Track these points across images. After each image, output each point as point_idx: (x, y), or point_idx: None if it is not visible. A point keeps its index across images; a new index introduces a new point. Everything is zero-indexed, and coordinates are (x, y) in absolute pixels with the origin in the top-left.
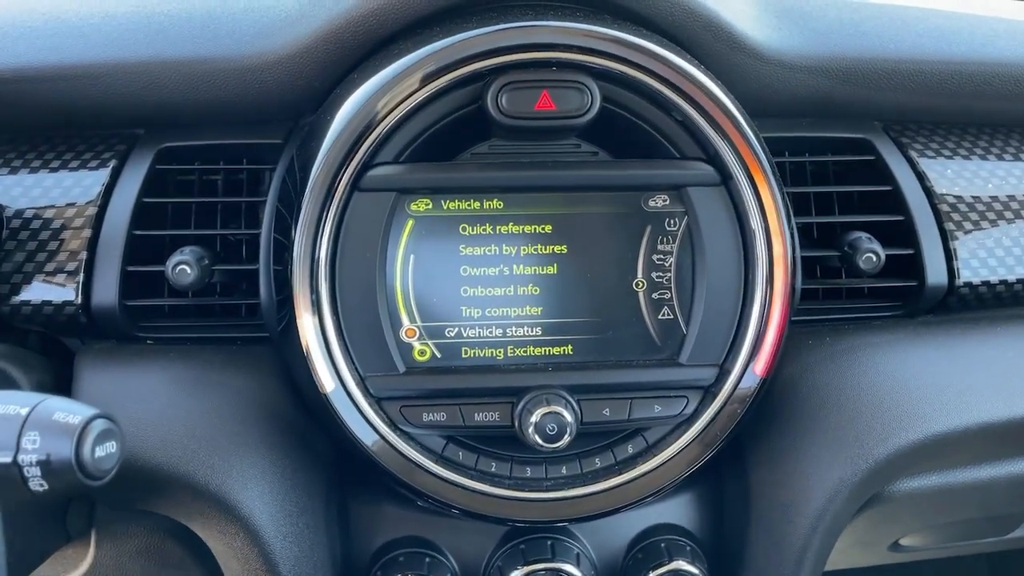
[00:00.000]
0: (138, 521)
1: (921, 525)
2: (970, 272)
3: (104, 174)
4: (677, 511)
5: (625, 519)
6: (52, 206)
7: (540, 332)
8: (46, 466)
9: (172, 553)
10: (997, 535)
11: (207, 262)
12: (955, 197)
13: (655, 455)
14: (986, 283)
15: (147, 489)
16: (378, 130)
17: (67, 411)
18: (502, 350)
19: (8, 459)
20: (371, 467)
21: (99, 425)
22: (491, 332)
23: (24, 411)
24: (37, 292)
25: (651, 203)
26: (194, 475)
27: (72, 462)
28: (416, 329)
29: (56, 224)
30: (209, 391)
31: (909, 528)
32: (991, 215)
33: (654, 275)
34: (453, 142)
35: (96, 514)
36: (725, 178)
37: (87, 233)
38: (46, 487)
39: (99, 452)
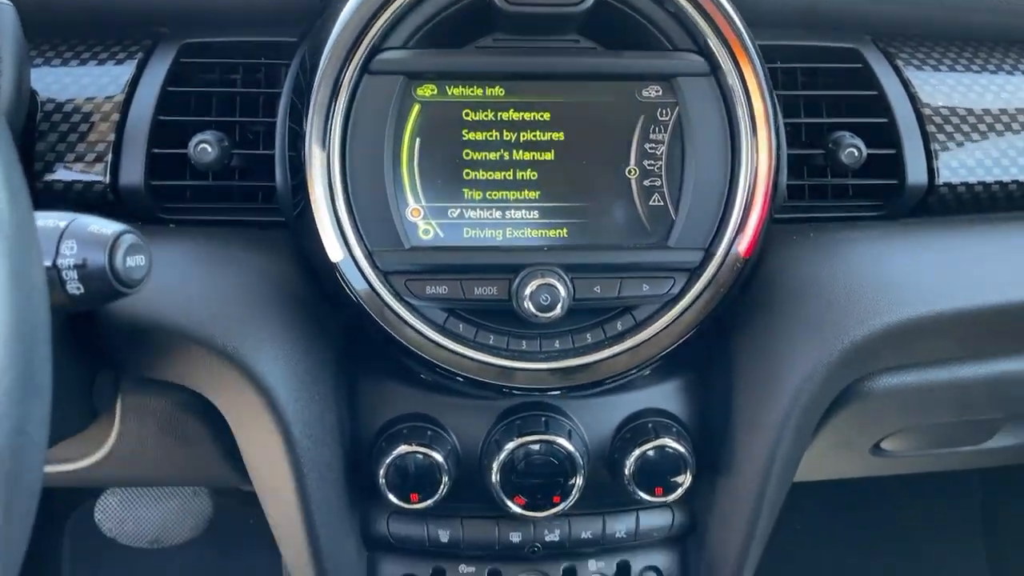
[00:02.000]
0: (159, 397)
1: (901, 425)
2: (949, 172)
3: (131, 66)
4: (664, 397)
5: (615, 403)
6: (83, 94)
7: (537, 215)
8: (82, 270)
9: (191, 428)
10: (976, 443)
11: (227, 144)
12: (937, 103)
13: (642, 331)
14: (964, 184)
15: (170, 354)
16: (386, 14)
17: (100, 224)
18: (501, 231)
19: (48, 263)
20: (378, 340)
21: (129, 239)
22: (491, 214)
23: (63, 223)
24: (69, 171)
25: (644, 93)
26: (213, 338)
27: (106, 268)
28: (421, 209)
29: (86, 109)
30: (228, 267)
31: (889, 428)
32: (971, 120)
33: (646, 163)
34: (458, 33)
35: (120, 389)
36: (714, 68)
37: (115, 117)
38: (82, 291)
39: (130, 262)
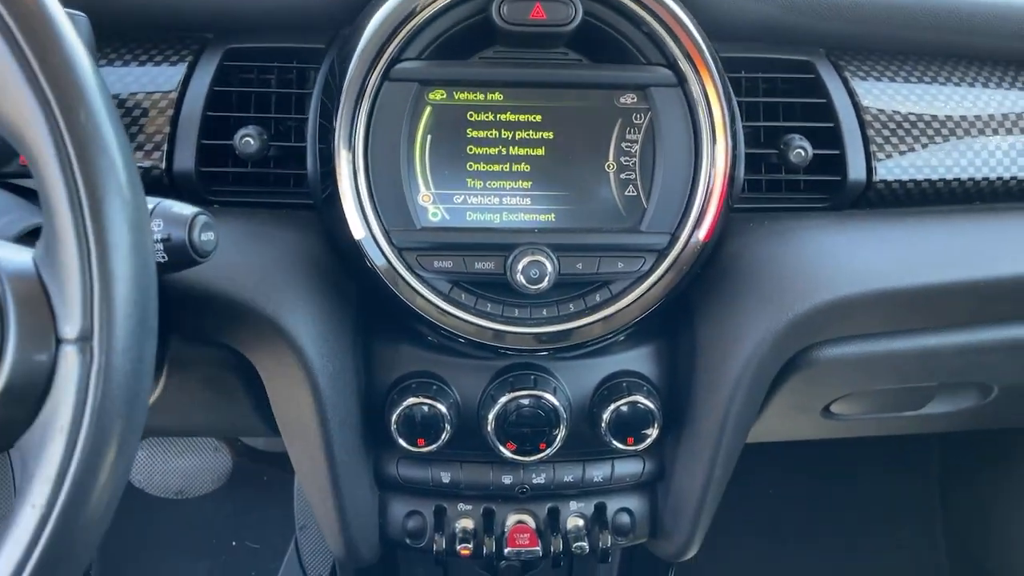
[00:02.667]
0: (202, 354)
1: (846, 391)
2: (885, 171)
3: (183, 67)
4: (637, 360)
5: (594, 365)
6: (141, 91)
7: (529, 202)
8: (167, 243)
9: (228, 382)
10: (915, 408)
11: (266, 137)
12: (878, 110)
13: (617, 302)
14: (899, 181)
15: (216, 316)
16: (405, 30)
17: (181, 207)
18: (498, 215)
19: None
20: (392, 306)
21: (203, 219)
22: (490, 200)
23: (151, 205)
24: None
25: (622, 100)
26: (254, 301)
27: (186, 242)
28: (430, 195)
29: (145, 104)
30: (264, 241)
31: (835, 393)
32: (907, 126)
33: (622, 159)
34: (465, 46)
35: (169, 348)
36: (681, 80)
37: (170, 112)
38: (166, 259)
39: (203, 237)
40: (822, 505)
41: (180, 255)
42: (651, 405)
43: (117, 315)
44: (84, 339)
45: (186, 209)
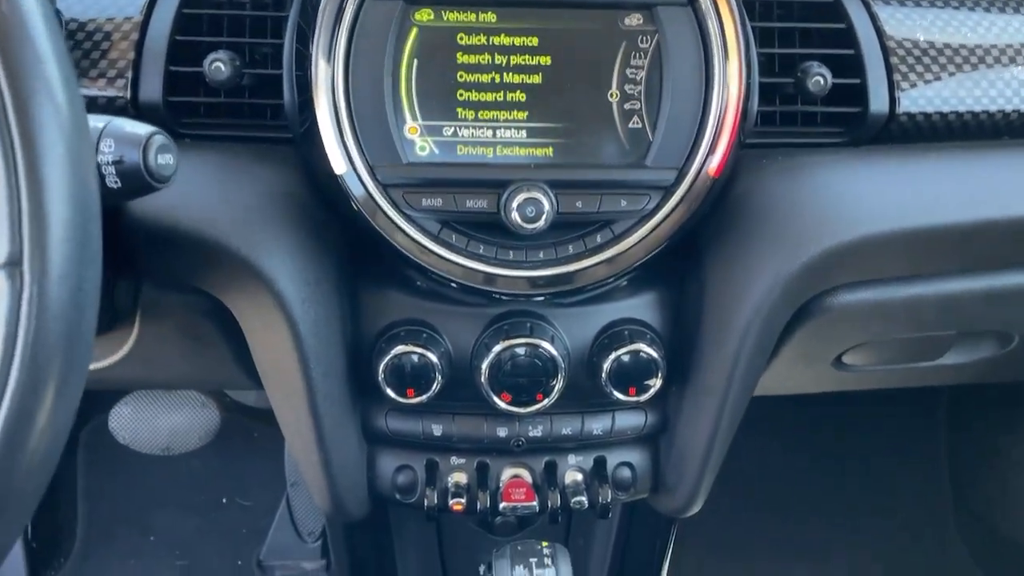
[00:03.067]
0: (177, 300)
1: (859, 340)
2: (909, 102)
3: None
4: (640, 308)
5: (595, 312)
6: (103, 14)
7: (525, 135)
8: (119, 166)
9: (205, 331)
10: (931, 359)
11: (238, 64)
12: (902, 37)
13: (619, 243)
14: (923, 113)
15: (188, 258)
16: None
17: (135, 126)
18: (491, 149)
19: None
20: (378, 248)
21: (160, 139)
22: (482, 133)
23: (101, 124)
24: (92, 87)
25: (626, 22)
26: (228, 241)
27: (140, 164)
28: (418, 127)
29: (107, 28)
30: (239, 177)
31: (848, 342)
32: (933, 54)
33: (626, 87)
34: None
35: (141, 293)
36: None
37: (135, 37)
38: (119, 185)
39: (160, 160)
40: (826, 459)
41: (135, 180)
42: (654, 354)
43: (51, 236)
44: (12, 264)
45: (140, 128)
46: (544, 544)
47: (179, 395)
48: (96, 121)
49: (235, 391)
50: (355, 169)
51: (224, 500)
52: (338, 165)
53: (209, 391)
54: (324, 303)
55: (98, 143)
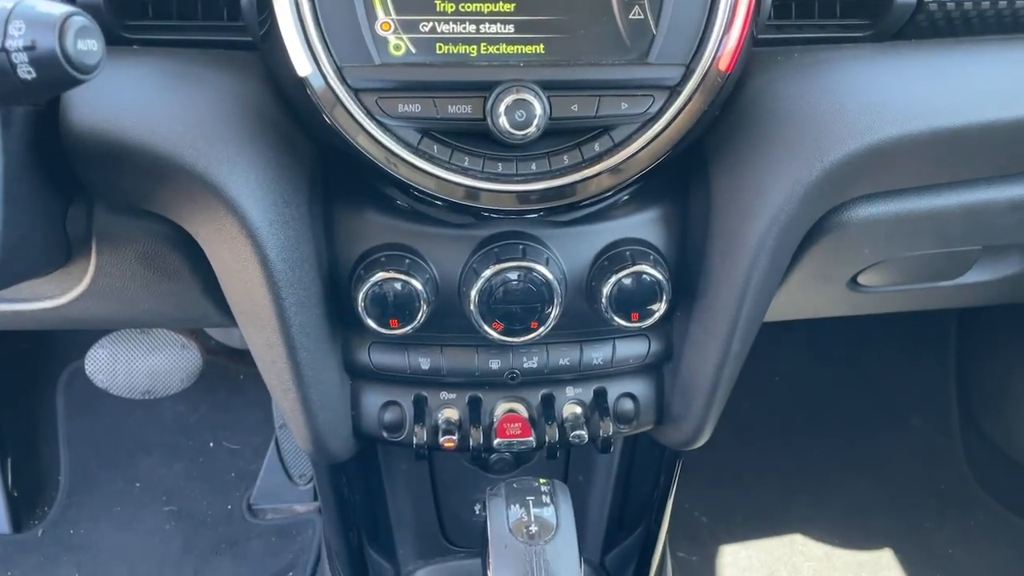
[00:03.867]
0: (135, 227)
1: (878, 257)
2: None
3: None
4: (643, 226)
5: (593, 232)
6: None
7: (513, 29)
8: (32, 52)
9: (169, 261)
10: (952, 277)
11: None
12: None
13: (620, 151)
14: (955, 1)
15: (139, 177)
16: None
17: (48, 5)
18: (475, 47)
19: None
20: (353, 162)
21: (80, 20)
22: (464, 28)
23: (9, 4)
24: None
25: None
26: (182, 156)
27: (57, 50)
28: (391, 22)
29: None
30: (195, 86)
31: (866, 260)
32: None
33: None
34: None
35: (94, 220)
36: None
37: None
38: (34, 75)
39: (81, 46)
40: (829, 386)
41: (52, 69)
42: (658, 276)
43: None
44: None
45: (55, 8)
46: (542, 481)
47: (158, 336)
48: (4, 1)
49: (217, 330)
50: (321, 71)
51: (211, 444)
52: (302, 66)
53: (189, 331)
54: (294, 226)
55: (6, 26)
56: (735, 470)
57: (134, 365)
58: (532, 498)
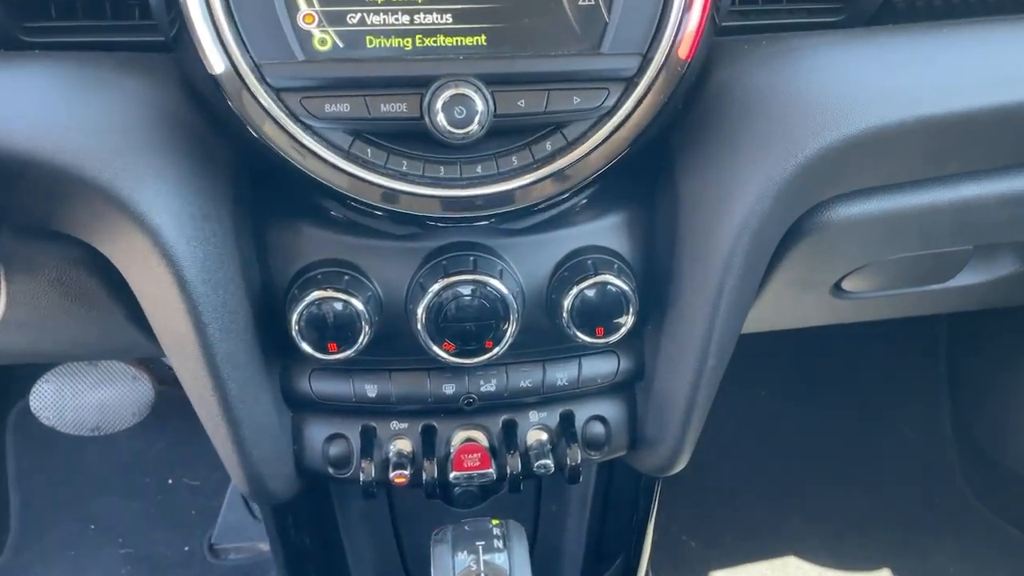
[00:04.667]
0: (46, 250)
1: (862, 260)
2: None
3: None
4: (605, 233)
5: (551, 241)
6: None
7: (451, 19)
8: None
9: (86, 286)
10: (940, 280)
11: None
12: None
13: (573, 150)
14: None
15: (40, 194)
16: None
17: None
18: (409, 39)
19: None
20: (280, 172)
21: None
22: (397, 19)
23: None
24: None
25: None
26: (83, 168)
27: None
28: (315, 15)
29: None
30: (100, 90)
31: (850, 263)
32: None
33: None
34: None
35: (0, 245)
36: None
37: None
38: None
39: None
40: (817, 399)
41: None
42: (624, 286)
43: None
44: None
45: None
46: (495, 522)
47: (107, 368)
48: None
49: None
50: (236, 68)
51: (170, 480)
52: (215, 63)
53: (138, 361)
54: (216, 243)
55: None
56: (722, 489)
57: (82, 400)
58: (483, 543)
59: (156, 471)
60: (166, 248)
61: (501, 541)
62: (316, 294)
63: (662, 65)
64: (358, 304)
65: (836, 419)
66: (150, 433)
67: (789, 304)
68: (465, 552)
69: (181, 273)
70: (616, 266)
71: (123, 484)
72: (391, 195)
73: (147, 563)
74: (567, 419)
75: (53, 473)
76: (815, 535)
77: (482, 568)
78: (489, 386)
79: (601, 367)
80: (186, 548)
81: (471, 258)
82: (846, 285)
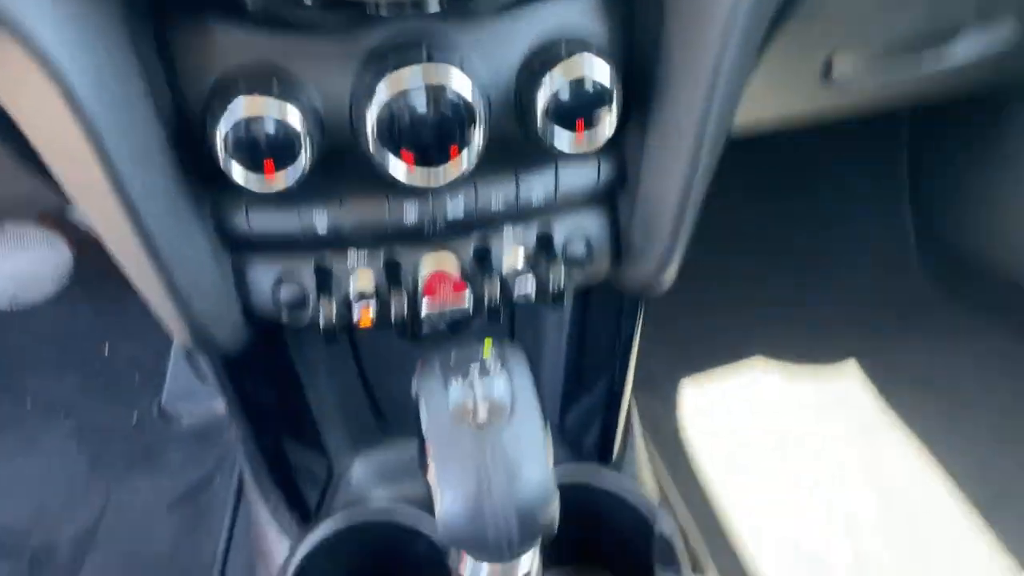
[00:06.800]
0: None
1: (854, 35)
2: None
3: None
4: (581, 15)
5: (515, 28)
6: None
7: None
8: None
9: None
10: (935, 58)
11: None
12: None
13: None
14: None
15: None
16: None
17: None
18: None
19: None
20: None
21: None
22: None
23: None
24: None
25: None
26: None
27: None
28: None
29: None
30: None
31: (843, 41)
32: None
33: None
34: None
35: None
36: None
37: None
38: None
39: None
40: (779, 201)
41: None
42: (605, 71)
43: None
44: None
45: None
46: (488, 343)
47: (18, 235)
48: None
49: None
50: None
51: (106, 352)
52: None
53: (51, 222)
54: (106, 50)
55: None
56: (689, 305)
57: None
58: (476, 366)
59: (88, 341)
60: (43, 55)
61: (499, 365)
62: (241, 101)
63: None
64: (295, 112)
65: (799, 226)
66: (76, 303)
67: (777, 93)
68: (458, 382)
69: (65, 83)
70: (594, 49)
71: (55, 358)
72: None
73: (96, 435)
74: (545, 239)
75: None
76: (783, 340)
77: (480, 399)
78: (456, 208)
79: (581, 176)
80: (135, 416)
81: (423, 47)
82: (836, 70)
